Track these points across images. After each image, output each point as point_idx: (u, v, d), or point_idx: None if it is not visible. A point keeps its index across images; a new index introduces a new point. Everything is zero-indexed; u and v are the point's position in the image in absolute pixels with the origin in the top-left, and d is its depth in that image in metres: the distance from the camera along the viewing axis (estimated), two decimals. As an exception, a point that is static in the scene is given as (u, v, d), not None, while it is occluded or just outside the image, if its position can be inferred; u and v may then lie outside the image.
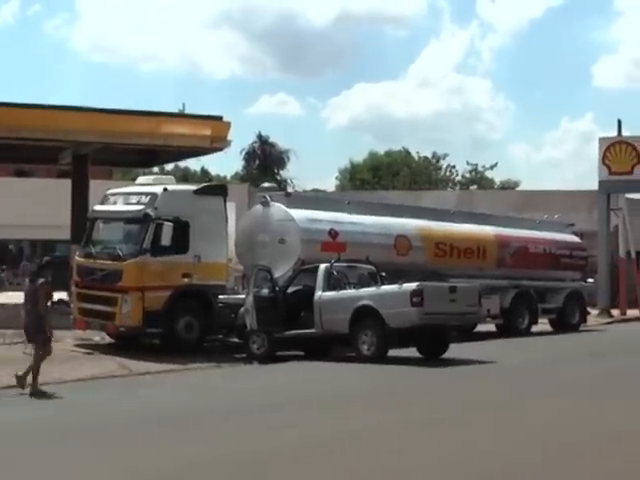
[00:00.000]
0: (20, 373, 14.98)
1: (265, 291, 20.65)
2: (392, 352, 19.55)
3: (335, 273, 20.68)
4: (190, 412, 13.20)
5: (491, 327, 27.75)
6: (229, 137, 27.12)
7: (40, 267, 15.84)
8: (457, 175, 71.70)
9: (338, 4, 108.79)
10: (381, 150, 76.89)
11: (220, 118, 26.97)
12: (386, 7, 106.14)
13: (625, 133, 40.68)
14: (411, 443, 10.85)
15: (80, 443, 10.92)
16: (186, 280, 20.85)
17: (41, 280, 15.26)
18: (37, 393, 14.76)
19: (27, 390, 14.87)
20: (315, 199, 30.85)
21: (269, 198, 23.49)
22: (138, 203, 21.15)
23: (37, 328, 15.14)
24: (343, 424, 12.18)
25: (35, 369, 14.96)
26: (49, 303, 15.60)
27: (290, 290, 20.88)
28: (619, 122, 40.55)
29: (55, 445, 10.80)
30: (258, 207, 23.72)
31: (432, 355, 19.77)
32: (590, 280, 32.27)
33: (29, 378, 14.97)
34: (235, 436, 11.27)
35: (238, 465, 9.79)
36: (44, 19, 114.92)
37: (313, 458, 10.11)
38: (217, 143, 27.17)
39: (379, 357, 19.03)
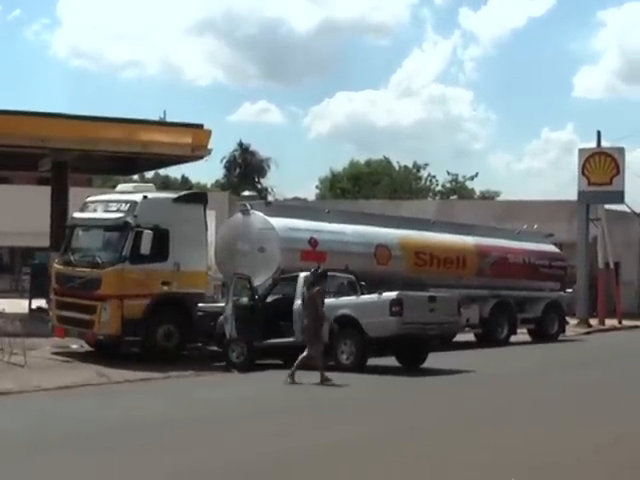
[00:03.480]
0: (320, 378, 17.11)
1: (244, 300, 20.60)
2: (371, 361, 19.55)
3: (315, 282, 20.66)
4: (169, 421, 13.13)
5: (470, 337, 27.80)
6: (210, 145, 27.10)
7: (318, 277, 18.15)
8: (437, 185, 71.93)
9: (321, 13, 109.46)
10: (362, 159, 77.08)
11: (201, 126, 26.92)
12: (369, 16, 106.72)
13: (605, 144, 40.93)
14: (390, 453, 10.84)
15: (59, 452, 10.82)
16: (165, 288, 20.75)
17: (317, 288, 17.65)
18: (326, 380, 17.08)
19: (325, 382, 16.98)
20: (295, 208, 30.86)
21: (249, 206, 23.50)
22: (118, 211, 21.05)
23: (317, 329, 17.39)
24: (322, 434, 12.17)
25: (319, 363, 17.29)
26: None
27: (269, 299, 20.86)
28: (598, 133, 40.84)
29: (33, 455, 10.68)
30: (238, 215, 23.72)
31: (411, 364, 19.79)
32: (569, 290, 32.46)
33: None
34: (215, 446, 11.23)
35: (220, 476, 9.75)
36: (24, 25, 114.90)
37: (293, 469, 10.07)
38: (198, 151, 27.12)
39: (358, 366, 19.03)
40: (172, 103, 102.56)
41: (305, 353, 17.53)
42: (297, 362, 17.43)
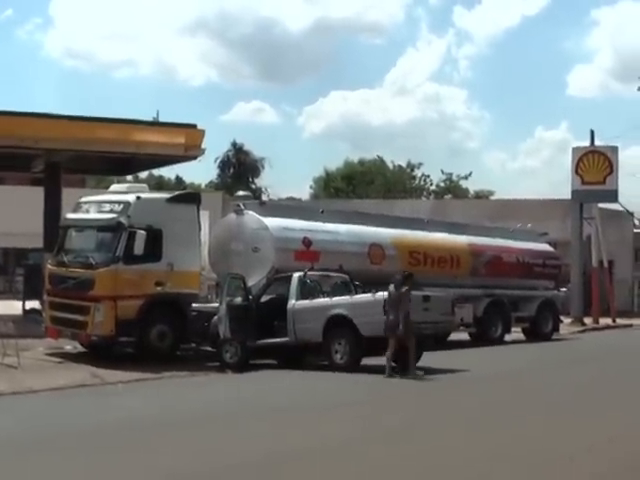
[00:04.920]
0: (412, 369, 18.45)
1: (238, 300, 20.57)
2: (365, 361, 19.54)
3: (308, 282, 20.67)
4: (163, 422, 13.11)
5: (464, 336, 27.80)
6: (203, 145, 27.07)
7: (405, 277, 19.03)
8: (431, 184, 71.97)
9: (315, 12, 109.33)
10: (356, 158, 77.03)
11: (194, 126, 26.89)
12: (363, 16, 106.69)
13: (599, 143, 40.98)
14: (383, 454, 10.83)
15: (52, 454, 10.79)
16: (159, 289, 20.71)
17: (405, 288, 18.62)
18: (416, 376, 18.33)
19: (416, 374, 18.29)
20: (289, 207, 30.83)
21: (243, 206, 23.46)
22: (111, 211, 21.01)
23: (404, 325, 18.28)
24: (315, 435, 12.15)
25: (390, 356, 18.35)
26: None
27: (263, 299, 20.84)
28: (592, 132, 40.87)
29: (26, 457, 10.64)
30: (232, 215, 23.67)
31: (405, 364, 19.75)
32: (563, 289, 32.46)
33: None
34: (209, 447, 11.20)
35: (216, 476, 9.73)
36: (16, 24, 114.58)
37: (286, 470, 10.06)
38: (191, 151, 27.08)
39: (352, 366, 19.02)
40: (165, 103, 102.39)
41: (410, 349, 18.42)
42: (387, 359, 18.29)
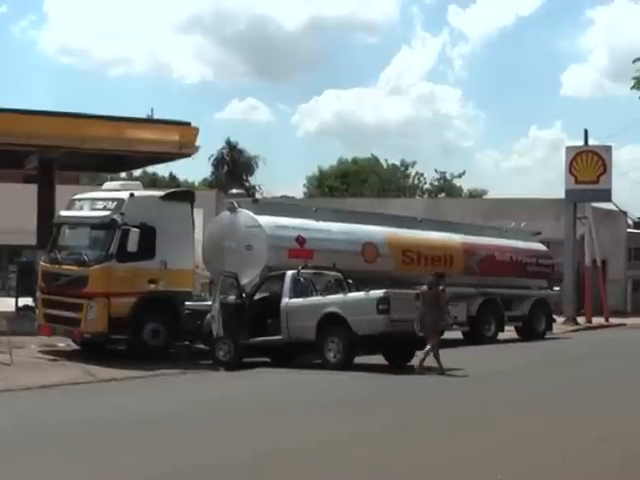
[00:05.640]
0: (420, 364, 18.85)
1: (232, 298, 20.58)
2: (358, 359, 19.55)
3: (302, 280, 20.67)
4: (155, 419, 13.09)
5: (458, 334, 27.81)
6: (197, 143, 27.05)
7: (438, 277, 19.98)
8: (425, 183, 72.04)
9: (310, 10, 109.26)
10: (350, 157, 77.03)
11: (188, 124, 26.87)
12: (358, 14, 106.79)
13: (592, 142, 41.02)
14: (376, 453, 10.82)
15: (44, 452, 10.76)
16: (152, 286, 20.70)
17: (441, 287, 19.55)
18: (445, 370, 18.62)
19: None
20: (283, 206, 30.80)
21: (236, 204, 23.45)
22: (104, 209, 20.98)
23: (437, 323, 19.19)
24: (309, 433, 12.15)
25: (437, 354, 18.76)
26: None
27: (257, 297, 20.84)
28: (586, 132, 40.90)
29: (18, 454, 10.60)
30: (225, 213, 23.67)
31: (398, 362, 19.78)
32: (556, 288, 32.50)
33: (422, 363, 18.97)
34: (202, 445, 11.19)
35: (206, 475, 9.72)
36: (11, 21, 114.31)
37: (279, 469, 10.05)
38: (185, 149, 27.05)
39: (345, 364, 19.02)
40: (160, 101, 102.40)
41: (428, 347, 18.83)
42: (422, 357, 18.91)
